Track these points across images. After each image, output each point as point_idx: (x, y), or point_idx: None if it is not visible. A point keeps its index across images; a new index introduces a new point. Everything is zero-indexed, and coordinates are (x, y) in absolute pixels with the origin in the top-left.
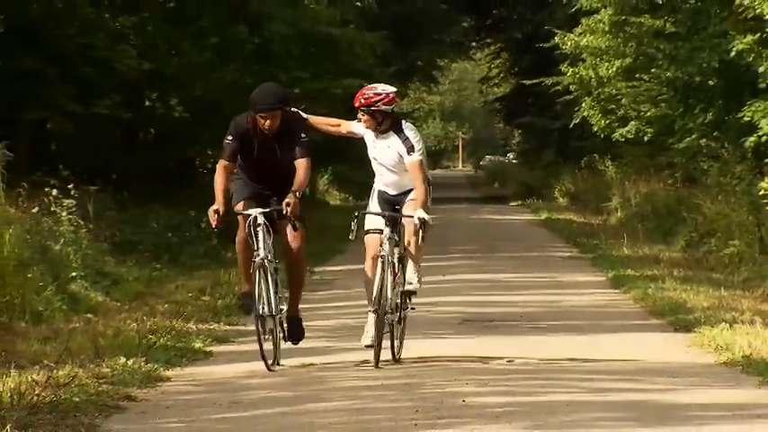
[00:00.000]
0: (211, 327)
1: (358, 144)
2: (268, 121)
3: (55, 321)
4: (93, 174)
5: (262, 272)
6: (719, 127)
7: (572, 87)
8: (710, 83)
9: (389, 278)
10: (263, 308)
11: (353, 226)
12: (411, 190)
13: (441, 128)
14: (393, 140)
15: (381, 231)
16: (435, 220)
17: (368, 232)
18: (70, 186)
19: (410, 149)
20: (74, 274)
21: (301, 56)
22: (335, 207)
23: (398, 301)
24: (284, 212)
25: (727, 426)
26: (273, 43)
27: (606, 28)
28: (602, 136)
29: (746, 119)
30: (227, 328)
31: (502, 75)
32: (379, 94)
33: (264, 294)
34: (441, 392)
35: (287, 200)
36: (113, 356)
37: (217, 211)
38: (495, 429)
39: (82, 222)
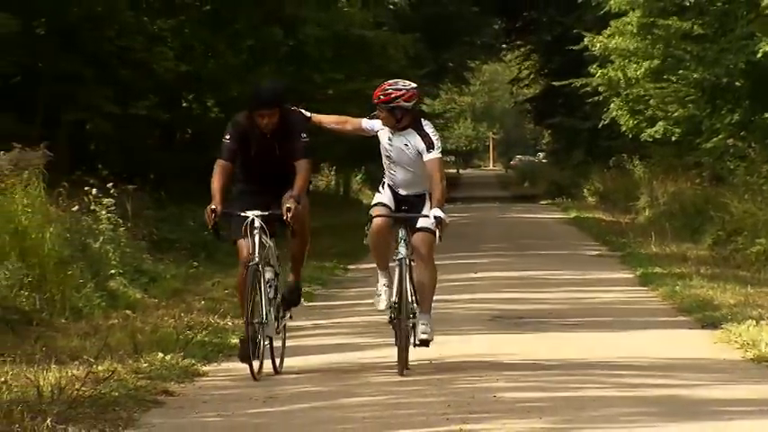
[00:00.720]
0: None
1: None
2: (266, 120)
3: (94, 318)
4: (132, 173)
5: (255, 279)
6: (746, 127)
7: (601, 88)
8: (737, 84)
9: (408, 282)
10: (257, 317)
11: (367, 230)
12: (422, 194)
13: (472, 128)
14: (411, 138)
15: (389, 208)
16: (465, 220)
17: (375, 206)
18: (109, 185)
19: (430, 146)
20: (113, 271)
21: (335, 58)
22: (369, 206)
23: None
24: (284, 218)
25: (755, 420)
26: (308, 45)
27: (634, 30)
28: (630, 136)
29: None
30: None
31: (532, 76)
32: (400, 90)
33: (257, 303)
34: (472, 387)
35: (287, 204)
36: (151, 352)
37: (214, 211)
38: (526, 424)
39: (120, 221)
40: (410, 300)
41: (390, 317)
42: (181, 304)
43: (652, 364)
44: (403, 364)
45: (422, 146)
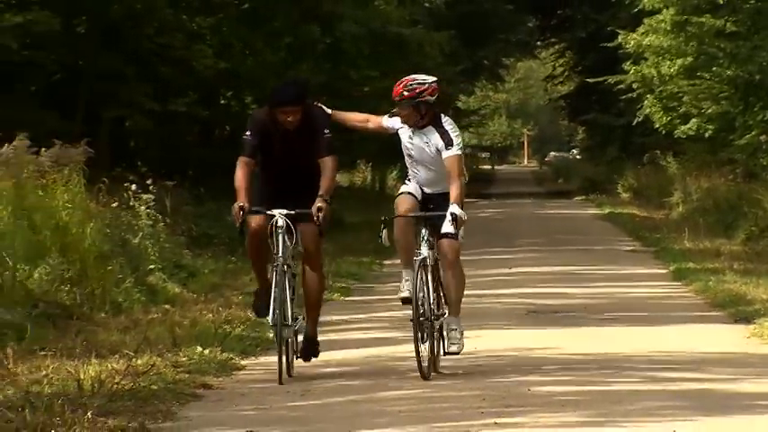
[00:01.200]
0: None
1: None
2: (289, 117)
3: (134, 312)
4: (171, 169)
5: (280, 277)
6: None
7: (635, 85)
8: None
9: (431, 282)
10: (277, 316)
11: (383, 231)
12: (448, 193)
13: (506, 125)
14: (432, 135)
15: (414, 197)
16: (500, 215)
17: (401, 194)
18: (148, 182)
19: (449, 143)
20: (152, 266)
21: (371, 55)
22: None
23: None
24: (315, 219)
25: None
26: (345, 42)
27: (668, 27)
28: (664, 132)
29: None
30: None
31: (566, 73)
32: (423, 85)
33: (279, 302)
34: (507, 381)
35: (318, 204)
36: (190, 346)
37: (242, 208)
38: (560, 418)
39: (160, 216)
40: (431, 302)
41: (418, 318)
42: (219, 299)
43: (685, 358)
44: (431, 367)
45: (441, 143)
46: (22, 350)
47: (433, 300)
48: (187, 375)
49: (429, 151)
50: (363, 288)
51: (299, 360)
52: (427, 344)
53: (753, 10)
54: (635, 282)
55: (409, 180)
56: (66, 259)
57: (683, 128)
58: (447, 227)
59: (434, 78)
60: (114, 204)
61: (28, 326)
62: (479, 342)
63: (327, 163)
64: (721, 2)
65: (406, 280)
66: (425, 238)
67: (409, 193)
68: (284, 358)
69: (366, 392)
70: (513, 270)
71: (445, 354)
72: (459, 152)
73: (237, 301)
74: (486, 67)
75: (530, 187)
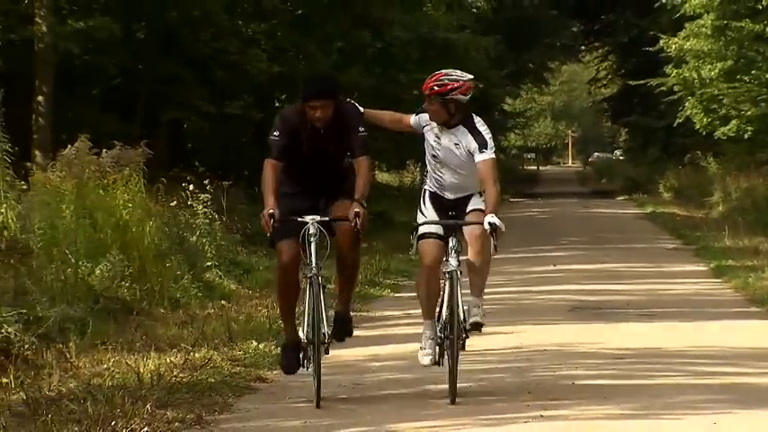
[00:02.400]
0: None
1: None
2: (319, 112)
3: (191, 308)
4: (227, 170)
5: (312, 290)
6: None
7: (676, 88)
8: None
9: (460, 296)
10: (309, 333)
11: (413, 240)
12: (470, 195)
13: (551, 126)
14: (463, 136)
15: (440, 237)
16: (545, 214)
17: (423, 237)
18: (205, 182)
19: (482, 145)
20: (208, 263)
21: (420, 59)
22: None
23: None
24: (353, 225)
25: None
26: (394, 47)
27: (709, 32)
28: (704, 134)
29: None
30: (352, 314)
31: (609, 76)
32: (457, 82)
33: (312, 317)
34: (552, 375)
35: (354, 209)
36: (245, 340)
37: (272, 215)
38: (604, 410)
39: (216, 215)
40: (462, 317)
41: (440, 337)
42: (273, 295)
43: (724, 353)
44: (454, 392)
45: (474, 145)
46: (84, 344)
47: (464, 315)
48: (243, 369)
49: (458, 153)
50: (412, 285)
51: (365, 349)
52: (453, 363)
53: None
54: (676, 279)
55: (424, 200)
56: (127, 256)
57: (722, 129)
58: (475, 214)
59: (470, 76)
60: (172, 203)
61: (90, 321)
62: (525, 337)
63: (363, 163)
64: (761, 7)
65: (428, 339)
66: (454, 248)
67: (432, 234)
68: (320, 379)
69: (414, 386)
70: (558, 267)
71: (467, 329)
72: (494, 155)
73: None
74: (531, 71)
75: (573, 187)
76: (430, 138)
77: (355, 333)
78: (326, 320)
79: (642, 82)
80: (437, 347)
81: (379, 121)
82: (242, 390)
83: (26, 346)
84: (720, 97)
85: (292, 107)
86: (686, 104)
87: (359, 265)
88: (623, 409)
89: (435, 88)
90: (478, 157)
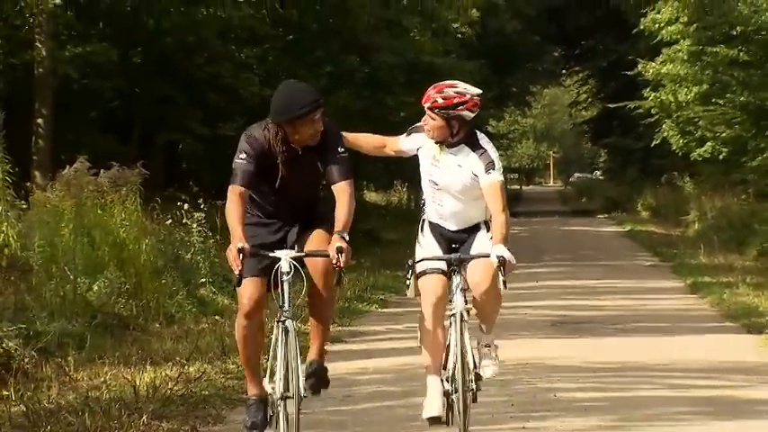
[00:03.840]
0: None
1: None
2: (309, 129)
3: (186, 323)
4: (220, 189)
5: (286, 337)
6: None
7: (653, 111)
8: None
9: (468, 341)
10: (282, 387)
11: (409, 278)
12: (476, 225)
13: (533, 147)
14: (466, 156)
15: (442, 272)
16: (527, 232)
17: (424, 273)
18: (199, 201)
19: (489, 166)
20: (203, 280)
21: (406, 83)
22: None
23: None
24: (334, 263)
25: None
26: (381, 71)
27: (685, 57)
28: (680, 155)
29: None
30: (340, 329)
31: (589, 99)
32: (463, 96)
33: (286, 366)
34: (534, 388)
35: (336, 243)
36: (238, 354)
37: (241, 250)
38: (584, 422)
39: (210, 233)
40: (472, 364)
41: (446, 392)
42: (265, 310)
43: (701, 366)
44: None
45: (479, 166)
46: (82, 358)
47: (474, 363)
48: (236, 382)
49: (461, 177)
50: (399, 300)
51: (353, 363)
52: (463, 419)
53: (764, 41)
54: (653, 295)
55: (422, 231)
56: (123, 273)
57: (698, 150)
58: (481, 248)
59: (478, 90)
60: (168, 222)
61: (88, 335)
62: (507, 351)
63: (344, 190)
64: (735, 33)
65: (434, 392)
66: (459, 286)
67: (435, 269)
68: None
69: (402, 398)
70: (540, 283)
71: (477, 380)
72: (502, 177)
73: None
74: (514, 94)
75: (555, 206)
76: (426, 160)
77: (345, 347)
78: (301, 371)
79: (621, 105)
80: (443, 400)
81: (360, 146)
82: (235, 402)
83: (26, 360)
84: (696, 120)
85: (260, 126)
86: (663, 127)
87: (335, 308)
88: (603, 420)
89: (439, 101)
90: (484, 180)
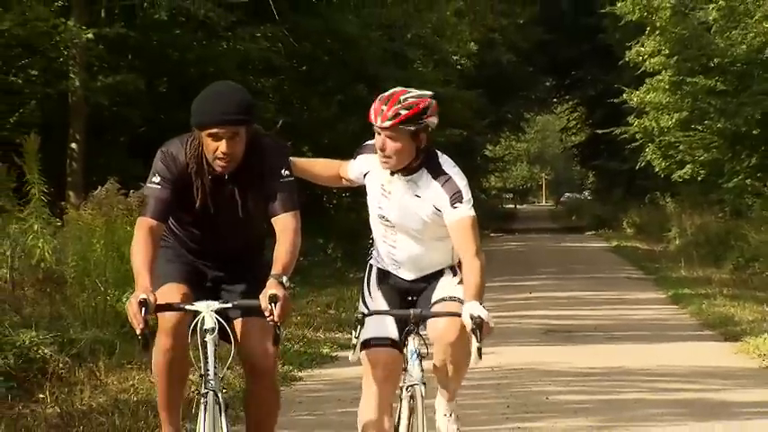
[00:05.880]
0: (336, 335)
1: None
2: (224, 146)
3: None
4: None
5: (212, 411)
6: (762, 169)
7: (637, 136)
8: (754, 132)
9: (423, 420)
10: None
11: (356, 336)
12: (438, 272)
13: (527, 170)
14: (426, 185)
15: (391, 343)
16: (522, 247)
17: (368, 344)
18: None
19: (456, 198)
20: None
21: None
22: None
23: None
24: (268, 316)
25: None
26: None
27: (666, 86)
28: (662, 176)
29: None
30: (349, 336)
31: (578, 125)
32: (424, 99)
33: None
34: (528, 391)
35: (271, 290)
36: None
37: (143, 303)
38: (574, 422)
39: None
40: None
41: None
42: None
43: (681, 371)
44: None
45: (443, 198)
46: (111, 364)
47: None
48: None
49: (419, 211)
50: None
51: (362, 368)
52: None
53: (739, 72)
54: (638, 305)
55: (368, 278)
56: None
57: (679, 172)
58: (443, 296)
59: (430, 93)
60: None
61: (117, 343)
62: (503, 357)
63: (287, 226)
64: (712, 65)
65: None
66: (415, 353)
67: (383, 340)
68: None
69: None
70: (533, 295)
71: None
72: (473, 212)
73: (296, 321)
74: (509, 120)
75: (547, 224)
76: (374, 190)
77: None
78: None
79: (607, 130)
80: None
81: (314, 174)
82: None
83: (61, 366)
84: (677, 144)
85: (180, 141)
86: (646, 150)
87: (276, 411)
88: (591, 421)
89: (403, 112)
90: (451, 215)
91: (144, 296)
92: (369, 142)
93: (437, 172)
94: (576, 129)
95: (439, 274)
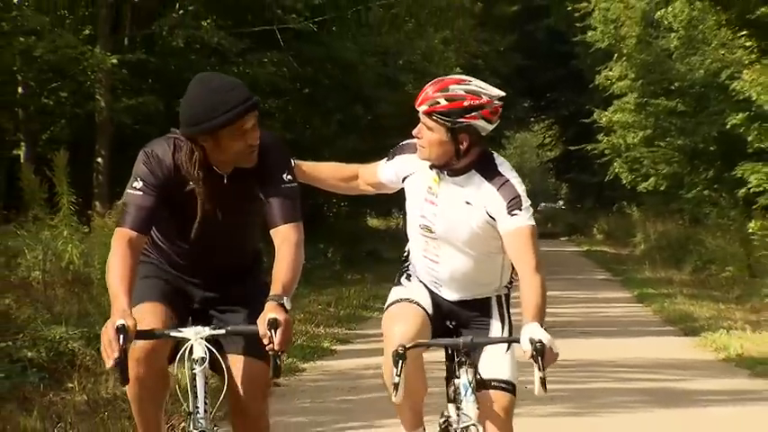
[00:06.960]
0: (335, 331)
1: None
2: (253, 134)
3: None
4: None
5: None
6: (718, 181)
7: (606, 151)
8: (711, 148)
9: None
10: None
11: (397, 374)
12: (485, 303)
13: None
14: (477, 189)
15: (425, 313)
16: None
17: (397, 302)
18: None
19: (514, 204)
20: None
21: (403, 126)
22: None
23: None
24: (267, 343)
25: (725, 407)
26: (382, 118)
27: (632, 107)
28: (629, 188)
29: (738, 175)
30: (348, 332)
31: (553, 142)
32: (477, 97)
33: None
34: None
35: (270, 315)
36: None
37: (122, 330)
38: (550, 409)
39: None
40: None
41: None
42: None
43: (646, 363)
44: None
45: (498, 204)
46: None
47: None
48: None
49: (467, 218)
50: None
51: (359, 360)
52: None
53: (697, 94)
54: (607, 304)
55: (406, 278)
56: None
57: (643, 184)
58: (497, 366)
59: (502, 93)
60: None
61: None
62: None
63: (288, 238)
64: (673, 88)
65: None
66: (467, 386)
67: (410, 300)
68: None
69: None
70: (513, 294)
71: None
72: (533, 222)
73: (299, 318)
74: (491, 137)
75: None
76: (417, 193)
77: (353, 347)
78: None
79: (579, 147)
80: None
81: (320, 179)
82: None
83: (87, 358)
84: (641, 159)
85: (167, 142)
86: (614, 164)
87: (268, 425)
88: (565, 407)
89: (441, 102)
90: (507, 224)
91: (121, 322)
92: (408, 141)
93: (492, 174)
94: (551, 145)
95: (485, 308)
